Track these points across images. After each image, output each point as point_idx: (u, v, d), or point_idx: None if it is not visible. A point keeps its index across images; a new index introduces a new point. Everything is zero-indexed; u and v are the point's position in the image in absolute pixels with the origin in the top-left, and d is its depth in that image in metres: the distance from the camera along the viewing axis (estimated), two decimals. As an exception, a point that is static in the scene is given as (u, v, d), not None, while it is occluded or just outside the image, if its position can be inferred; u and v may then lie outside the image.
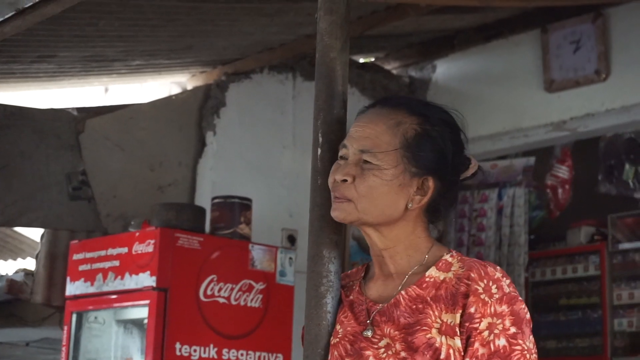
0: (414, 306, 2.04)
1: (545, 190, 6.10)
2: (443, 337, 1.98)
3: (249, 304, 4.59)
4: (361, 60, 6.35)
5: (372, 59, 6.45)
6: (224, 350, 4.46)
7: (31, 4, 4.05)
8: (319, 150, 2.24)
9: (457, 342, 1.98)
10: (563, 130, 5.78)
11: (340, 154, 2.13)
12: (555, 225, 6.03)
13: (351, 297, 2.17)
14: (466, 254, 5.40)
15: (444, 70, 6.29)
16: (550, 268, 5.89)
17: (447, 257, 2.09)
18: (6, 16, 4.08)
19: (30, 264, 5.85)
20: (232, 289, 4.53)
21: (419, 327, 2.01)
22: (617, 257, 5.65)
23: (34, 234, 6.43)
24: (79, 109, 5.48)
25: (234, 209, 4.71)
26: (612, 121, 5.60)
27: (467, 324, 1.98)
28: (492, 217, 5.93)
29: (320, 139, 2.24)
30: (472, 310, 1.97)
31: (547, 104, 5.77)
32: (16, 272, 5.38)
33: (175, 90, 6.05)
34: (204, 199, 5.30)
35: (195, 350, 4.36)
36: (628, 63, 5.49)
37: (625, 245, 5.63)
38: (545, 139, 5.89)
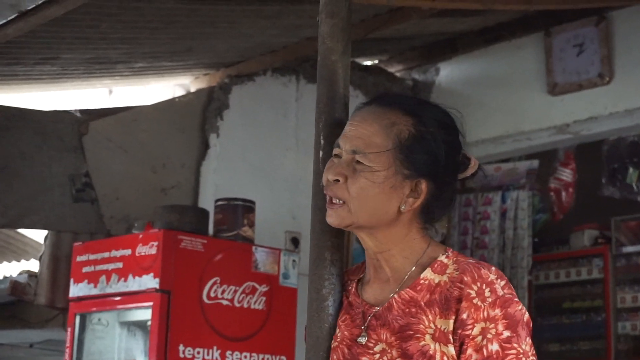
0: (407, 309, 2.02)
1: (548, 193, 6.09)
2: (437, 344, 1.96)
3: (252, 306, 4.58)
4: (364, 63, 6.34)
5: (376, 62, 6.44)
6: (228, 353, 4.45)
7: (33, 6, 4.06)
8: (321, 153, 2.24)
9: (451, 349, 1.95)
10: (566, 134, 5.77)
11: (334, 152, 2.11)
12: (558, 229, 6.03)
13: (350, 299, 2.15)
14: (469, 256, 5.39)
15: (447, 73, 6.29)
16: (554, 271, 5.88)
17: (443, 258, 2.06)
18: (8, 18, 4.09)
19: (33, 265, 5.83)
20: (235, 291, 4.52)
21: (412, 333, 1.99)
22: (621, 261, 5.65)
23: (38, 235, 6.43)
24: (82, 111, 5.48)
25: (237, 211, 4.69)
26: (616, 124, 5.60)
27: (459, 331, 1.95)
28: (495, 220, 5.93)
29: (322, 142, 2.24)
30: (464, 316, 1.95)
31: (550, 107, 5.77)
32: (20, 273, 5.37)
33: (179, 92, 6.05)
34: (207, 202, 5.29)
35: (198, 353, 4.35)
36: (631, 66, 5.49)
37: (629, 249, 5.62)
38: (549, 142, 5.88)
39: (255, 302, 4.59)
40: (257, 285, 4.60)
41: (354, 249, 5.54)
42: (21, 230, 6.63)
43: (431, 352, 1.96)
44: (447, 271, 2.03)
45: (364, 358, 2.05)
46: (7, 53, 4.93)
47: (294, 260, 4.75)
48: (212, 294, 4.44)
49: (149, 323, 4.33)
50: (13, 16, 4.07)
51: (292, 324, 4.69)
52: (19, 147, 5.15)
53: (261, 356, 4.57)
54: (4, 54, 4.92)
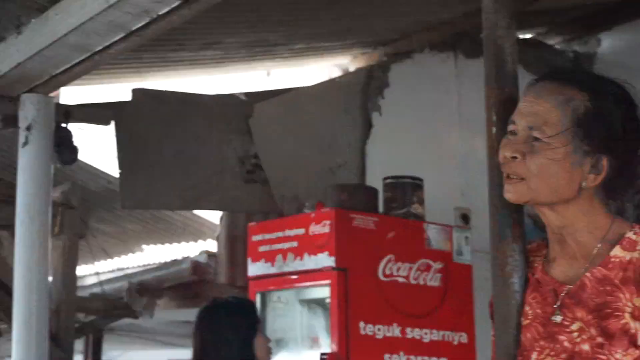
0: (602, 288, 1.98)
1: None
2: (637, 323, 1.92)
3: (428, 283, 4.57)
4: (522, 36, 6.27)
5: (533, 35, 6.36)
6: (408, 329, 4.45)
7: (196, -7, 4.15)
8: (494, 129, 2.19)
9: None
10: None
11: (509, 128, 2.07)
12: None
13: (536, 276, 2.11)
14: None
15: (610, 44, 6.11)
16: None
17: (631, 234, 2.01)
18: (173, 5, 4.20)
19: (211, 245, 6.01)
20: (410, 269, 4.52)
21: (611, 312, 1.96)
22: None
23: (212, 216, 6.60)
24: (246, 94, 5.60)
25: (406, 188, 4.69)
26: None
27: None
28: (673, 193, 5.77)
29: (494, 118, 2.19)
30: None
31: None
32: (199, 254, 5.54)
33: (336, 72, 6.08)
34: (373, 180, 5.27)
35: (379, 329, 4.37)
36: None
37: None
38: None
39: (430, 279, 4.58)
40: (431, 262, 4.58)
41: (525, 225, 5.50)
42: (197, 212, 6.80)
43: (632, 331, 1.93)
44: (638, 247, 1.98)
45: (561, 336, 2.01)
46: (173, 39, 5.03)
47: (466, 237, 4.68)
48: (387, 271, 4.45)
49: (328, 300, 4.37)
50: (177, 3, 4.18)
51: (469, 300, 4.60)
52: (191, 131, 5.28)
53: (442, 333, 4.56)
54: (170, 40, 5.02)
